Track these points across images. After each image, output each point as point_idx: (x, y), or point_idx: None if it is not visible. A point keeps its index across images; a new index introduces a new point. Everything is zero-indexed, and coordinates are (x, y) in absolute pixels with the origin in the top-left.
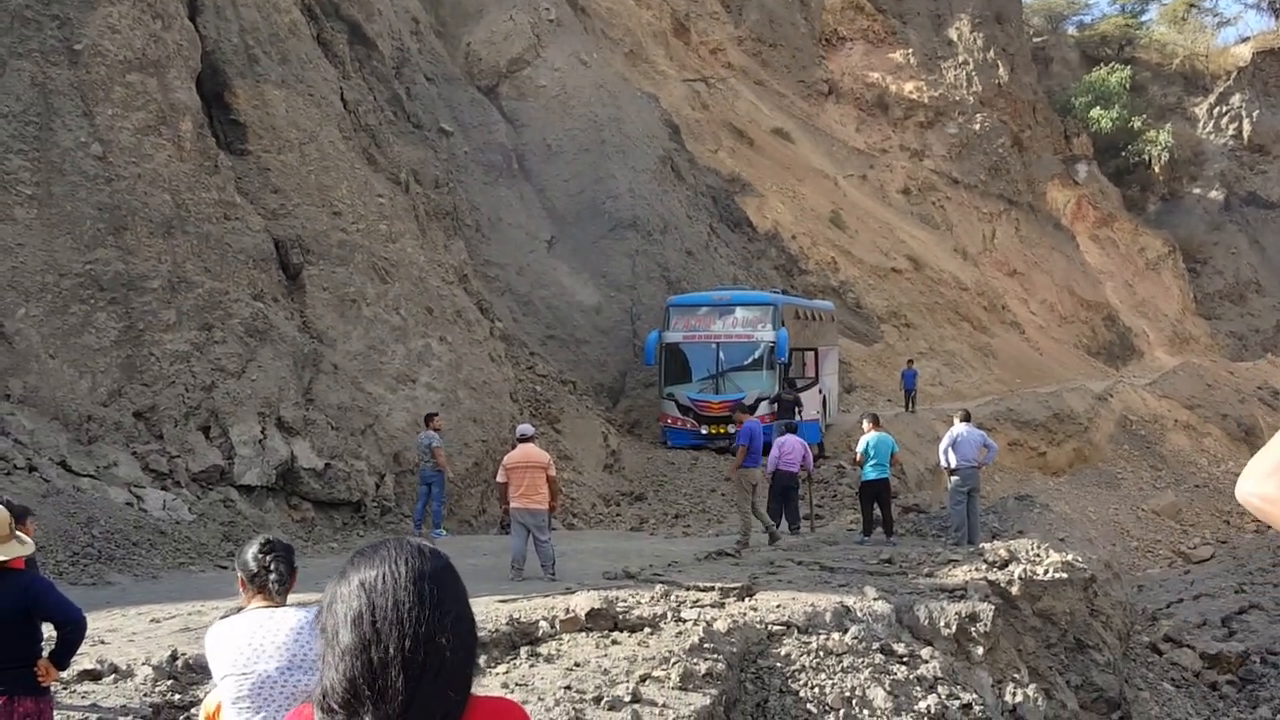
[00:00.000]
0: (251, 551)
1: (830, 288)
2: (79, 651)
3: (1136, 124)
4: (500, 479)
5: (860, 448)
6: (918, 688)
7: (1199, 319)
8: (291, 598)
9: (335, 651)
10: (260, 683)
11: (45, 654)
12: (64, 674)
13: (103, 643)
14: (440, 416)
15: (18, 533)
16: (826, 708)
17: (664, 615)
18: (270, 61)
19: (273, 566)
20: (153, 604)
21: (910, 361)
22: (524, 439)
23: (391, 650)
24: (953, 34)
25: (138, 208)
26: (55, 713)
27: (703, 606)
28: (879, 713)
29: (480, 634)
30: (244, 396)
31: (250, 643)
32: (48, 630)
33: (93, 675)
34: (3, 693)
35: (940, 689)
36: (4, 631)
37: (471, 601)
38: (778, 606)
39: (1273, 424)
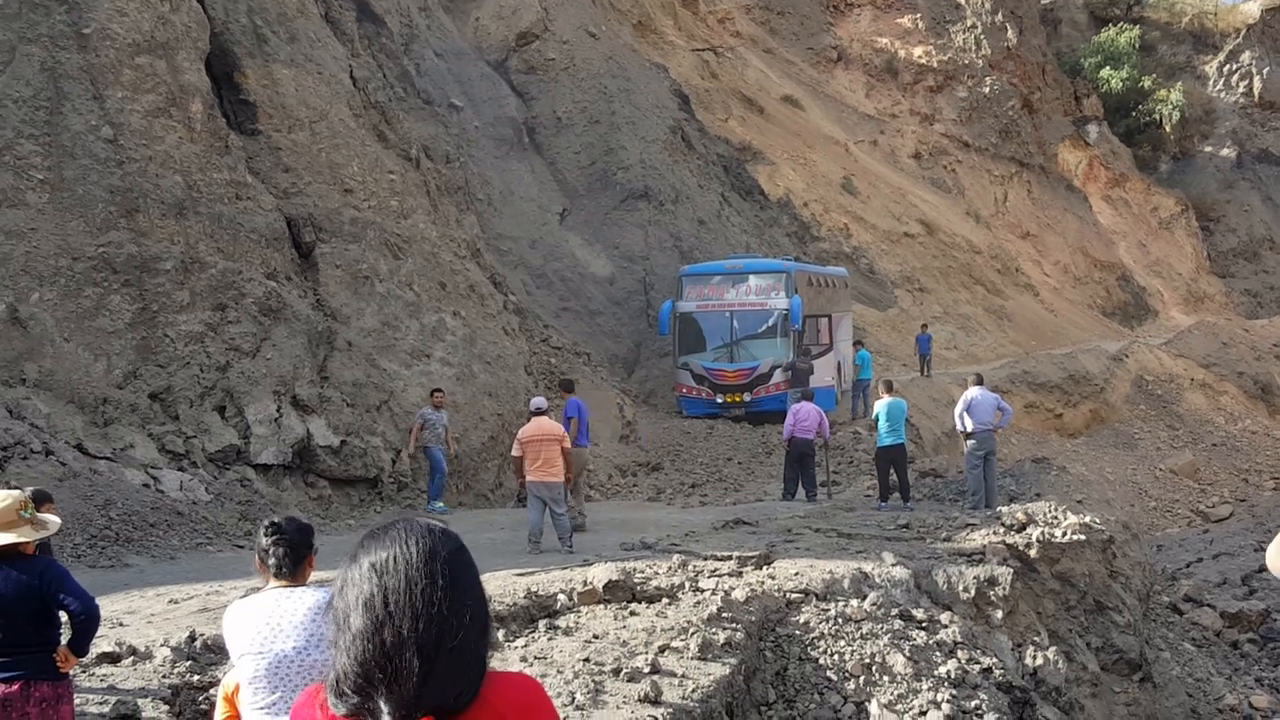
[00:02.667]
0: (260, 533)
1: (843, 254)
2: (97, 634)
3: (1146, 84)
4: (515, 453)
5: (874, 413)
6: (937, 653)
7: (1213, 277)
8: (312, 576)
9: (347, 635)
10: (277, 662)
11: (64, 640)
12: (82, 659)
13: (121, 625)
14: (441, 393)
15: (40, 514)
16: (846, 675)
17: (682, 585)
18: (279, 41)
19: (270, 549)
20: (171, 585)
21: (924, 326)
22: (538, 412)
23: (405, 632)
24: None
25: (149, 190)
26: (74, 695)
27: (720, 576)
28: (899, 678)
29: (498, 608)
30: (259, 375)
31: (268, 622)
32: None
33: (111, 658)
34: (20, 677)
35: (960, 653)
36: (19, 616)
37: (489, 576)
38: (796, 574)
39: None
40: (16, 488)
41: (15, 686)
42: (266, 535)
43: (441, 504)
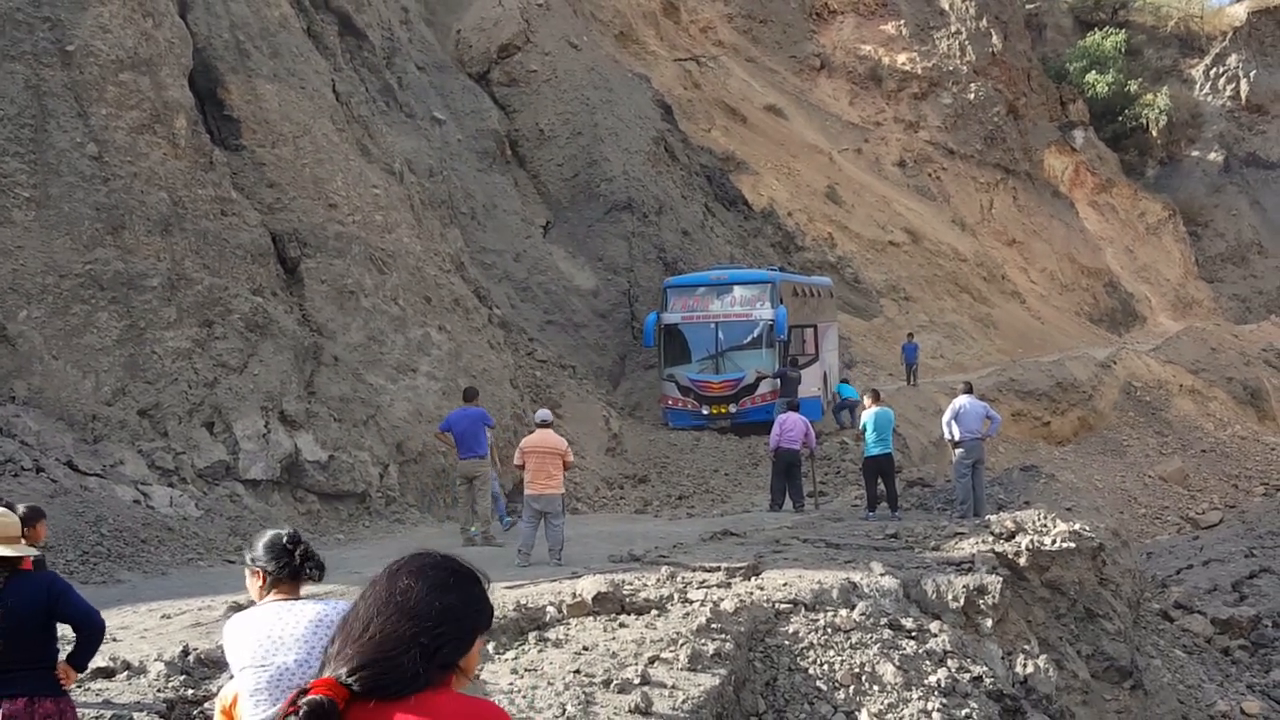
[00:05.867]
0: (263, 543)
1: (828, 263)
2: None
3: (1132, 88)
4: (516, 461)
5: (861, 423)
6: (927, 662)
7: (1201, 282)
8: (305, 590)
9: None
10: (278, 675)
11: (64, 656)
12: (81, 675)
13: (115, 640)
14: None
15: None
16: (836, 684)
17: (671, 597)
18: (261, 56)
19: (305, 555)
20: (163, 600)
21: (910, 335)
22: (543, 424)
23: (374, 612)
24: (944, 3)
25: (135, 206)
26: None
27: (709, 587)
28: (889, 688)
29: None
30: (246, 391)
31: (269, 635)
32: (63, 631)
33: (106, 673)
34: (23, 693)
35: (950, 662)
36: (25, 632)
37: None
38: (784, 585)
39: (1279, 386)
40: (7, 505)
41: (19, 703)
42: (290, 543)
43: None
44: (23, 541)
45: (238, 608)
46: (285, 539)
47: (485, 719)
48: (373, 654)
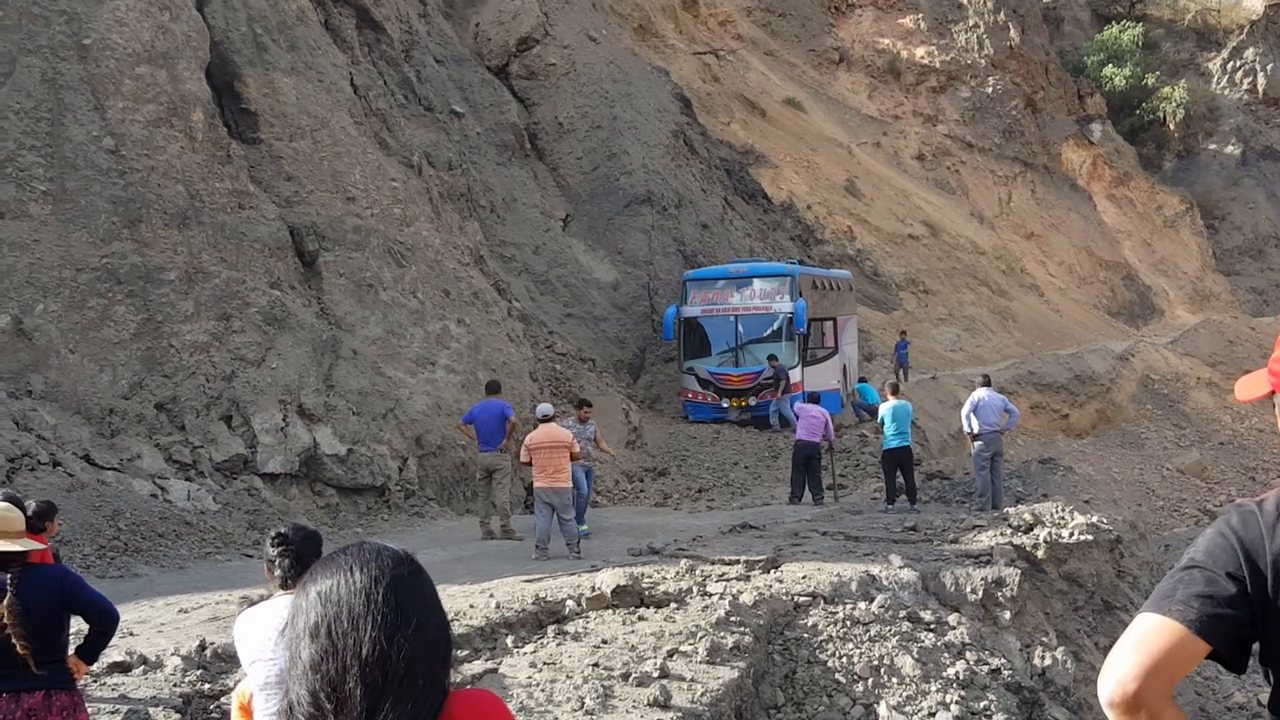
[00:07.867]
0: (266, 543)
1: (847, 256)
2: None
3: (1150, 81)
4: (523, 459)
5: (880, 416)
6: (946, 654)
7: (1218, 275)
8: None
9: (298, 666)
10: None
11: (72, 649)
12: (92, 668)
13: (131, 634)
14: (590, 406)
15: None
16: (855, 677)
17: (690, 590)
18: (279, 49)
19: (277, 560)
20: (180, 594)
21: (902, 333)
22: (545, 419)
23: (348, 662)
24: None
25: (152, 200)
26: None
27: (728, 580)
28: (907, 680)
29: (507, 614)
30: (264, 385)
31: (277, 628)
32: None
33: (122, 667)
34: (41, 686)
35: (968, 655)
36: (41, 626)
37: (498, 582)
38: (803, 577)
39: None
40: (13, 499)
41: (38, 696)
42: (273, 546)
43: (585, 527)
44: (26, 535)
45: (247, 601)
46: (272, 538)
47: (494, 709)
48: (413, 710)
